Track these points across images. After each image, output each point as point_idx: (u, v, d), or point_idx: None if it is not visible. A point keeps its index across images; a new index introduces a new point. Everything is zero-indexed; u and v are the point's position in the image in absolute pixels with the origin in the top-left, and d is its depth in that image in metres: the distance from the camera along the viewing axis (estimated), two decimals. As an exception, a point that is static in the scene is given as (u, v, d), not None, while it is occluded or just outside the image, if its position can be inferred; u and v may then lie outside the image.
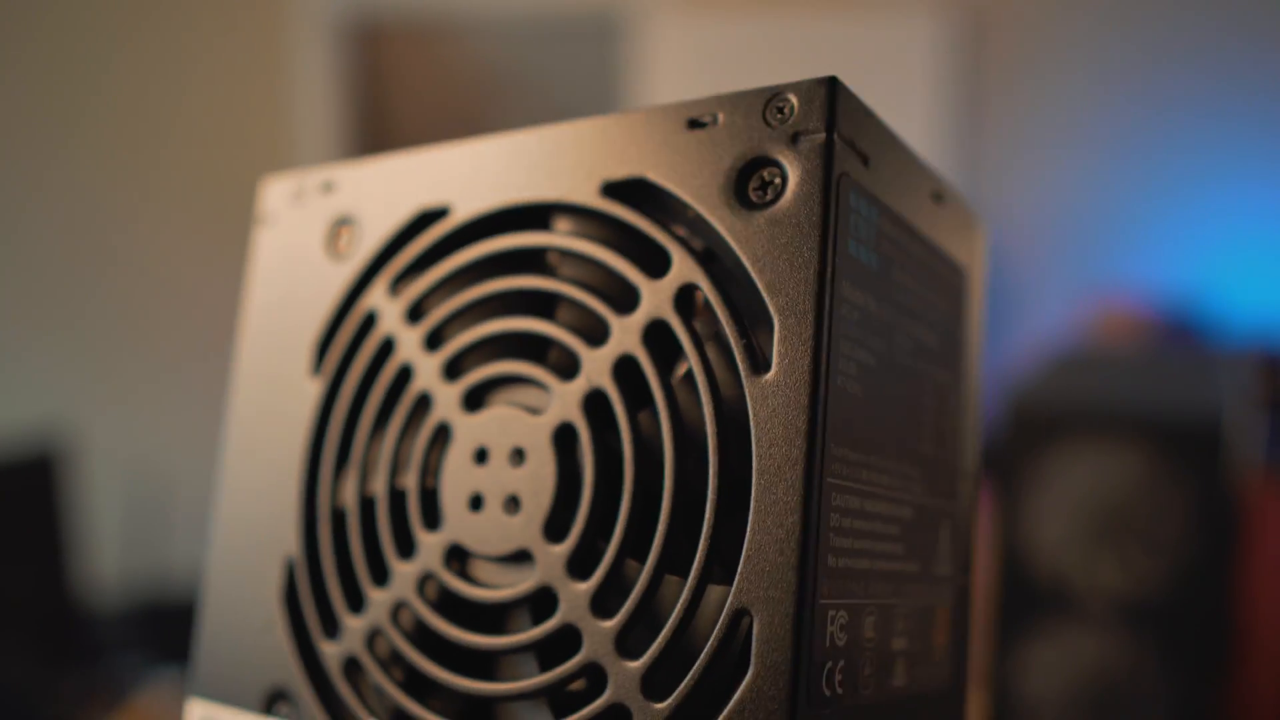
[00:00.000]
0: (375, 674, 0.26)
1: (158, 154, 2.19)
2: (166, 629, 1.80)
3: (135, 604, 1.84)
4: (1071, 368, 0.91)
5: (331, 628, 0.27)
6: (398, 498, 0.27)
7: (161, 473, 2.05)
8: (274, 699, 0.27)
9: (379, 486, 0.27)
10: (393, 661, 0.26)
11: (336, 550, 0.27)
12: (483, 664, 0.25)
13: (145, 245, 2.18)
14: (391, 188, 0.28)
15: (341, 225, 0.29)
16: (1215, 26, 1.99)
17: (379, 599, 0.26)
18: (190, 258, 2.17)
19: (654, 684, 0.22)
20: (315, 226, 0.30)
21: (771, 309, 0.22)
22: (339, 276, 0.29)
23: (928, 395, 0.26)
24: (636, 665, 0.22)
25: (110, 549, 1.92)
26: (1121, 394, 0.80)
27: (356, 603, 0.27)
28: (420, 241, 0.27)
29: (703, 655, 0.21)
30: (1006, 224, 2.11)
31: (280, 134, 2.19)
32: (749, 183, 0.23)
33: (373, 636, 0.26)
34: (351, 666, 0.26)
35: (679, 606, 0.22)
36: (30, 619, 1.34)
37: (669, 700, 0.21)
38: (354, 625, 0.26)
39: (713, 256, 0.24)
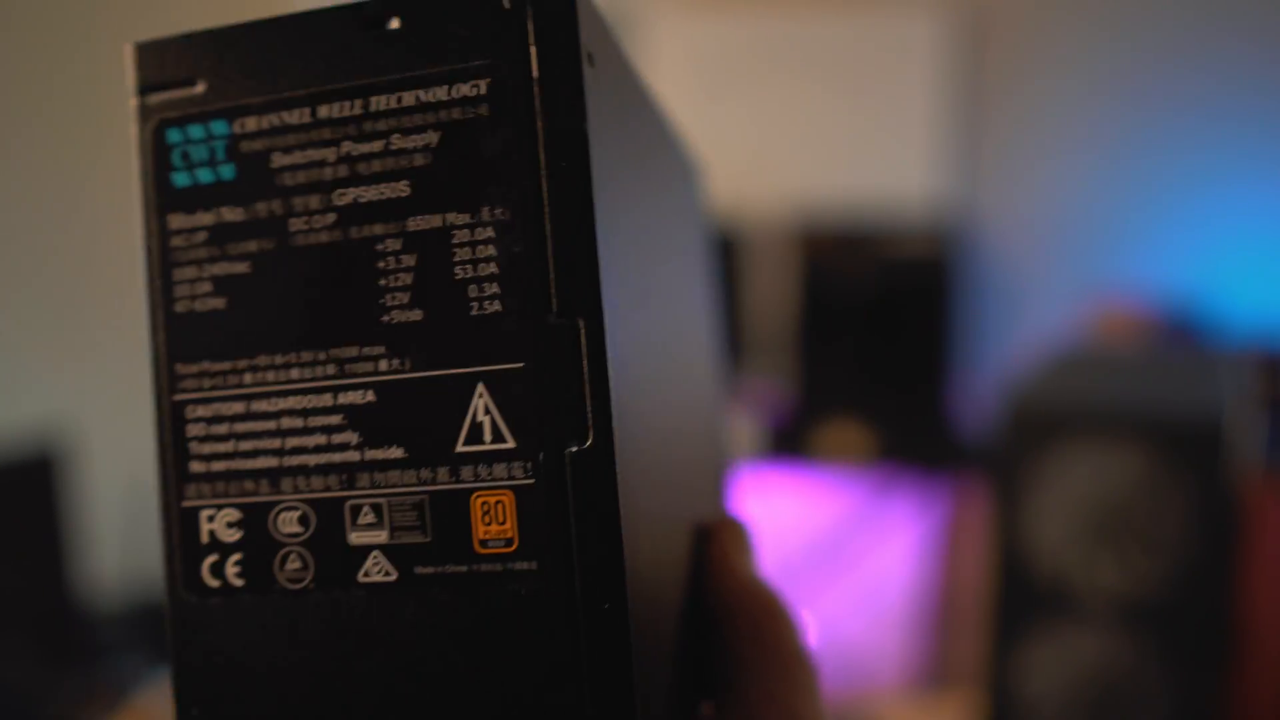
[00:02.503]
0: None
1: (158, 154, 2.19)
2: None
3: (135, 604, 1.84)
4: (1071, 368, 0.91)
5: None
6: None
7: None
8: None
9: None
10: None
11: None
12: None
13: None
14: None
15: None
16: (1216, 27, 1.99)
17: None
18: (190, 258, 2.18)
19: None
20: None
21: None
22: None
23: (382, 258, 0.24)
24: None
25: (110, 549, 1.92)
26: (1121, 394, 0.80)
27: None
28: None
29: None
30: (1006, 224, 2.11)
31: (280, 134, 2.19)
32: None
33: None
34: None
35: None
36: (30, 619, 1.34)
37: None
38: None
39: None
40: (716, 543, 0.29)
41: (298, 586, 0.23)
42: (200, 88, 0.25)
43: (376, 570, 0.23)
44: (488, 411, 0.23)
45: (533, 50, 0.23)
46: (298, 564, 0.24)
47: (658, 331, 0.28)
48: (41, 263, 2.18)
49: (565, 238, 0.23)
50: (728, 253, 1.95)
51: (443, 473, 0.23)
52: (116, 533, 1.96)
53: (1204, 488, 0.71)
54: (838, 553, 1.50)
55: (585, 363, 0.22)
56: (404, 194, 0.23)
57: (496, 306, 0.23)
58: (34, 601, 1.36)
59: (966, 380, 2.04)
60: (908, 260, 2.03)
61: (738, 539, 0.30)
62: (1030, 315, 2.06)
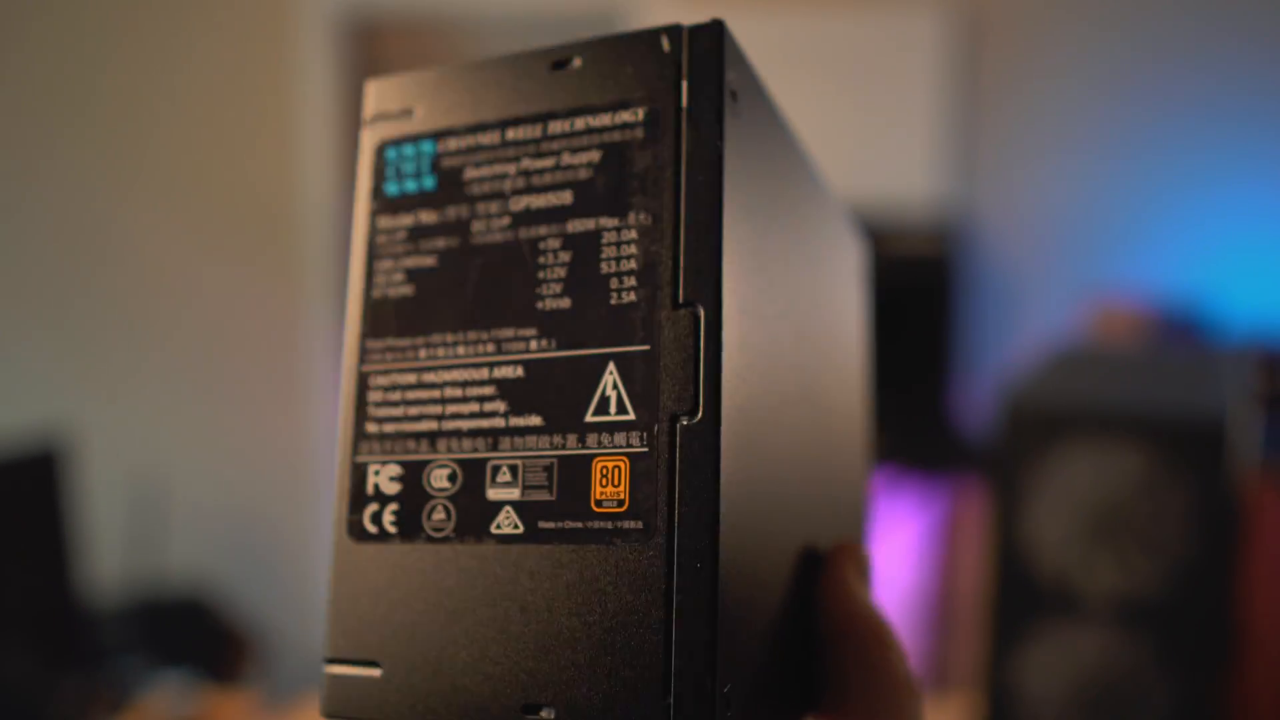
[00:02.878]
0: None
1: (158, 153, 2.19)
2: (167, 629, 1.81)
3: (135, 604, 1.84)
4: (1071, 368, 0.91)
5: None
6: None
7: (161, 473, 2.05)
8: None
9: None
10: None
11: None
12: None
13: (146, 244, 2.18)
14: None
15: None
16: (1215, 27, 2.00)
17: None
18: (191, 257, 2.18)
19: None
20: None
21: None
22: None
23: (543, 254, 0.28)
24: None
25: (110, 549, 1.92)
26: (1121, 394, 0.80)
27: None
28: None
29: None
30: (1006, 224, 2.11)
31: (281, 133, 2.19)
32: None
33: None
34: None
35: None
36: (30, 619, 1.34)
37: None
38: None
39: None
40: (835, 564, 0.31)
41: (440, 535, 0.27)
42: (417, 115, 0.30)
43: (507, 523, 0.26)
44: (615, 387, 0.26)
45: (684, 85, 0.27)
46: (442, 515, 0.27)
47: (779, 341, 0.31)
48: (42, 263, 2.18)
49: (695, 240, 0.26)
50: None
51: (571, 439, 0.26)
52: (117, 532, 1.96)
53: (1204, 488, 0.71)
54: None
55: (701, 345, 0.26)
56: (567, 202, 0.28)
57: (632, 297, 0.26)
58: (34, 601, 1.36)
59: (966, 380, 2.04)
60: (908, 259, 2.03)
61: (858, 565, 0.32)
62: (1030, 315, 2.06)
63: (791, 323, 0.32)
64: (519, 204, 0.28)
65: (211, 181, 2.20)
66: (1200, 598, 0.72)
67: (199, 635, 1.84)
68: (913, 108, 2.08)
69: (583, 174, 0.28)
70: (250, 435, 2.22)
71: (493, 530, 0.27)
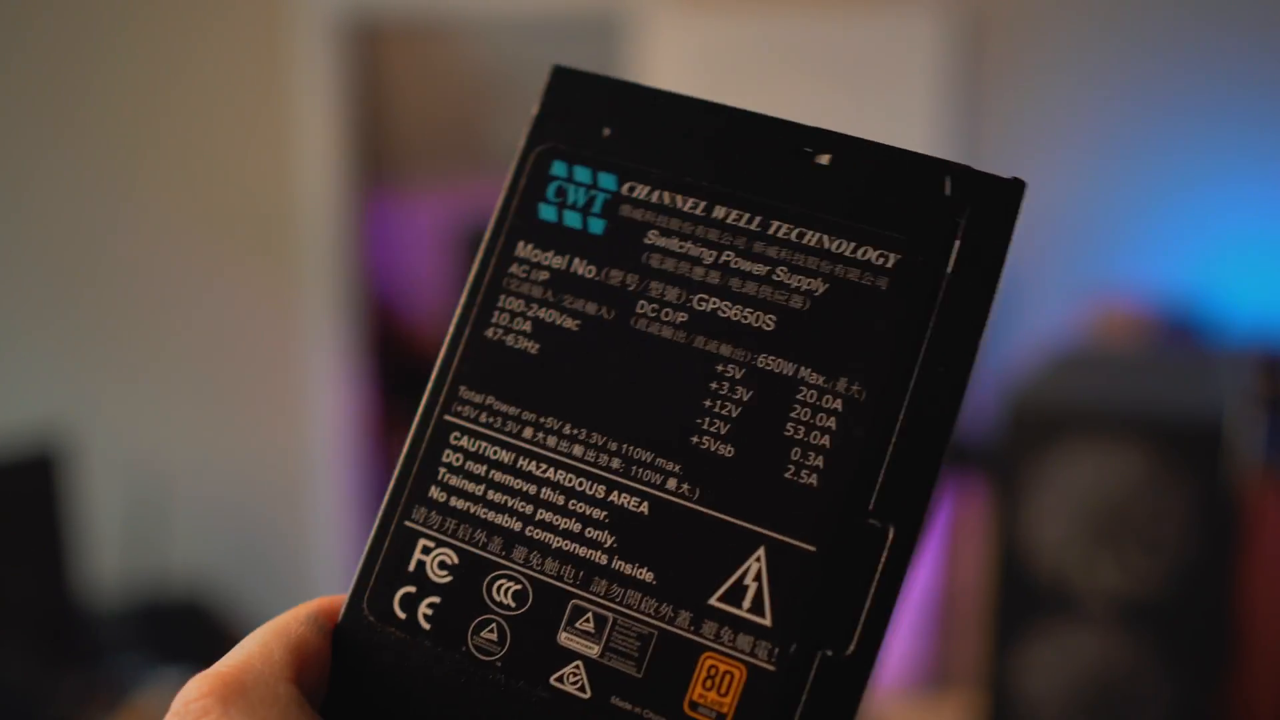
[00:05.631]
0: None
1: (157, 154, 2.19)
2: (166, 629, 1.81)
3: (135, 604, 1.84)
4: (1071, 368, 0.91)
5: None
6: None
7: (161, 473, 2.05)
8: None
9: None
10: None
11: None
12: None
13: (145, 245, 2.18)
14: None
15: None
16: (1215, 26, 2.00)
17: None
18: (190, 257, 2.18)
19: None
20: None
21: None
22: None
23: (718, 380, 0.22)
24: None
25: (110, 549, 1.92)
26: (1121, 394, 0.80)
27: None
28: None
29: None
30: (1006, 224, 2.11)
31: (280, 134, 2.18)
32: None
33: None
34: None
35: None
36: (30, 619, 1.34)
37: None
38: None
39: None
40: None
41: (485, 659, 0.22)
42: (607, 135, 0.24)
43: (573, 681, 0.22)
44: (758, 578, 0.21)
45: (956, 244, 0.22)
46: (494, 636, 0.22)
47: None
48: (42, 263, 2.18)
49: (913, 444, 0.21)
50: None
51: (684, 617, 0.21)
52: (116, 533, 1.96)
53: (1204, 488, 0.71)
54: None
55: (880, 572, 0.21)
56: (767, 328, 0.22)
57: (813, 480, 0.21)
58: (34, 601, 1.36)
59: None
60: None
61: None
62: (1030, 315, 2.06)
63: None
64: (705, 303, 0.23)
65: (210, 182, 2.20)
66: (1200, 598, 0.72)
67: (198, 635, 1.84)
68: (912, 108, 2.08)
69: (796, 301, 0.22)
70: (250, 435, 2.22)
71: (552, 682, 0.22)
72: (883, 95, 2.11)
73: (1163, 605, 0.72)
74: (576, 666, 0.22)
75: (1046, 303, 2.06)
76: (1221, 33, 1.99)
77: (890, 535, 0.21)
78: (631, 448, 0.22)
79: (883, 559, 0.21)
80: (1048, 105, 2.09)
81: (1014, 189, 0.22)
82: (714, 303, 0.23)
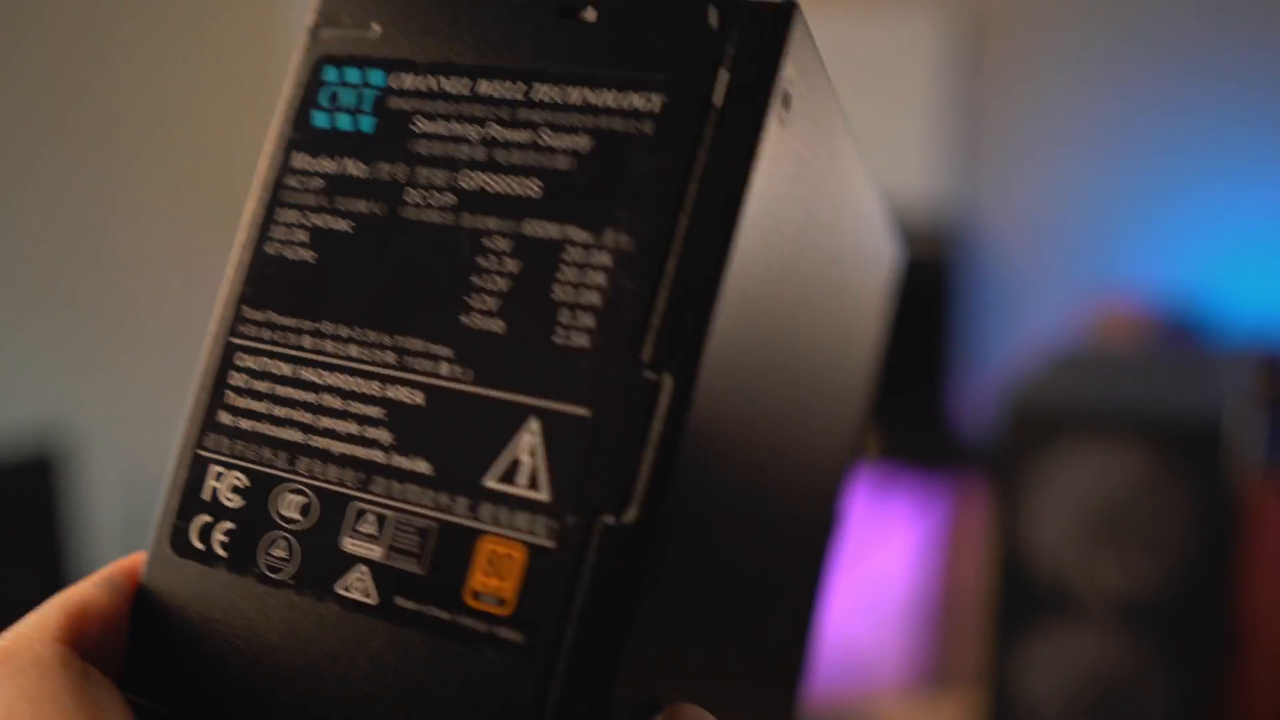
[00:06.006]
0: None
1: (156, 153, 2.19)
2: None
3: (135, 604, 1.84)
4: (1071, 368, 0.91)
5: None
6: None
7: (161, 473, 2.05)
8: None
9: None
10: None
11: None
12: None
13: (145, 245, 2.18)
14: None
15: None
16: (1215, 26, 1.99)
17: None
18: (190, 257, 2.18)
19: None
20: None
21: None
22: None
23: (485, 255, 0.21)
24: None
25: (110, 549, 1.92)
26: (1121, 394, 0.80)
27: None
28: None
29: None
30: (1006, 224, 2.11)
31: (280, 134, 2.19)
32: None
33: None
34: None
35: None
36: (30, 619, 1.34)
37: None
38: None
39: None
40: None
41: (276, 576, 0.21)
42: (375, 32, 0.23)
43: (358, 587, 0.21)
44: (533, 453, 0.20)
45: (722, 75, 0.20)
46: (283, 552, 0.22)
47: (776, 422, 0.24)
48: (41, 263, 2.18)
49: (685, 286, 0.20)
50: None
51: (461, 504, 0.20)
52: (116, 533, 1.96)
53: (1204, 488, 0.71)
54: (838, 552, 1.50)
55: (657, 426, 0.19)
56: (533, 194, 0.21)
57: (583, 341, 0.20)
58: (34, 602, 1.36)
59: (966, 380, 2.04)
60: (908, 260, 2.03)
61: None
62: (1030, 315, 2.06)
63: (798, 392, 0.26)
64: (472, 180, 0.22)
65: (210, 183, 2.20)
66: (1200, 598, 0.72)
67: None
68: (912, 110, 2.08)
69: (561, 162, 0.21)
70: (250, 435, 2.22)
71: (338, 590, 0.21)
72: (882, 97, 2.11)
73: (1163, 605, 0.72)
74: (361, 571, 0.21)
75: (1046, 303, 2.06)
76: (1221, 33, 1.99)
77: (667, 386, 0.19)
78: (403, 338, 0.22)
79: (660, 412, 0.19)
80: (1048, 106, 2.09)
81: (784, 12, 0.21)
82: (480, 178, 0.22)
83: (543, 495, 0.20)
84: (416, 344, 0.21)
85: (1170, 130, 2.03)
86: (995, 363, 2.03)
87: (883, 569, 1.52)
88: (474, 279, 0.21)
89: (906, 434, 1.90)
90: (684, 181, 0.20)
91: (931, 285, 2.03)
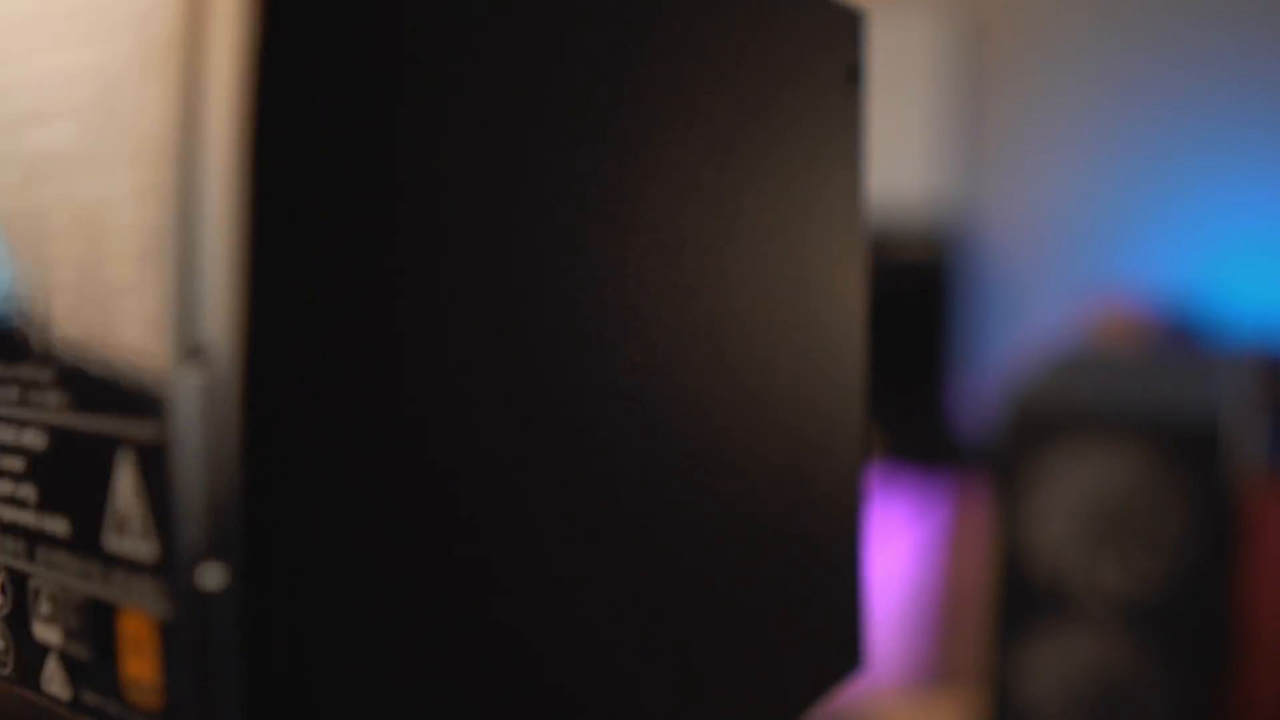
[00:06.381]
0: None
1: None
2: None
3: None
4: (1071, 368, 0.91)
5: None
6: None
7: None
8: None
9: None
10: None
11: None
12: None
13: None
14: None
15: None
16: (1215, 27, 2.00)
17: None
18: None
19: None
20: None
21: None
22: None
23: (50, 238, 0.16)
24: None
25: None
26: (1121, 395, 0.80)
27: None
28: None
29: None
30: (1006, 225, 2.11)
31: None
32: None
33: None
34: None
35: None
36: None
37: None
38: None
39: None
40: None
41: (3, 671, 0.18)
42: None
43: (55, 681, 0.17)
44: (136, 494, 0.15)
45: None
46: (2, 642, 0.18)
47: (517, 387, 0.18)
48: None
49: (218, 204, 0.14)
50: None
51: (95, 569, 0.16)
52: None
53: (1204, 488, 0.71)
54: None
55: (238, 432, 0.13)
56: (69, 139, 0.16)
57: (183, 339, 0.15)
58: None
59: (966, 380, 2.04)
60: (908, 261, 2.03)
61: None
62: (1030, 315, 2.06)
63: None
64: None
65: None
66: (1200, 598, 0.72)
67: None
68: (913, 111, 2.08)
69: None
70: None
71: (43, 686, 0.17)
72: (883, 98, 2.11)
73: (1163, 605, 0.73)
74: (53, 664, 0.17)
75: (1046, 303, 2.06)
76: (1221, 34, 1.99)
77: (219, 371, 0.14)
78: (17, 368, 0.17)
79: (239, 405, 0.13)
80: (1049, 107, 2.09)
81: None
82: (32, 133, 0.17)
83: (155, 550, 0.15)
84: (28, 371, 0.17)
85: (1170, 131, 2.03)
86: (995, 363, 2.03)
87: (883, 569, 1.52)
88: (52, 275, 0.17)
89: (907, 434, 1.90)
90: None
91: (932, 285, 2.03)
